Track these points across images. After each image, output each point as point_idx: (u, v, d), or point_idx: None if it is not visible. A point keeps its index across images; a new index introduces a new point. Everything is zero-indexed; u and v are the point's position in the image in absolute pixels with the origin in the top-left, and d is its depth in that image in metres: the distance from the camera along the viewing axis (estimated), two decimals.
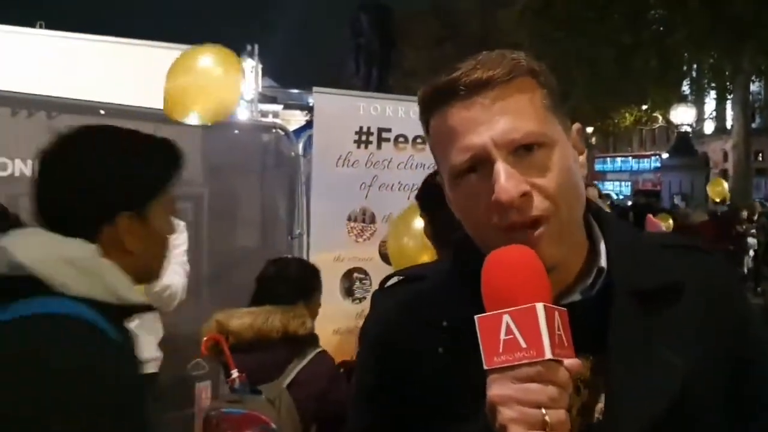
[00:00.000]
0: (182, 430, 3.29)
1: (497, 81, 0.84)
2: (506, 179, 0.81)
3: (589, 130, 31.80)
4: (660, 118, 25.97)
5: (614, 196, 23.53)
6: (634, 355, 0.86)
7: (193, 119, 3.10)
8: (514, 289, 0.75)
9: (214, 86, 3.12)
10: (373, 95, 4.18)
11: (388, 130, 3.71)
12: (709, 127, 30.91)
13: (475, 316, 0.75)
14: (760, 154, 31.99)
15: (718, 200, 12.54)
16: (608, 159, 34.80)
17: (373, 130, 3.67)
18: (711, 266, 0.97)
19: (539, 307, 0.73)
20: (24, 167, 3.28)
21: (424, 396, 0.90)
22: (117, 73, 4.76)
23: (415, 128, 3.87)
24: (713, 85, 19.67)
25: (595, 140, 36.22)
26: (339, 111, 3.59)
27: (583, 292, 0.90)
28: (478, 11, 27.17)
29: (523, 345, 0.72)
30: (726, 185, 12.87)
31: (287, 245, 3.88)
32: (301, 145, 3.92)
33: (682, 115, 20.09)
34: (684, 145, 19.98)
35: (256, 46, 14.90)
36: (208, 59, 3.17)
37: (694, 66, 19.31)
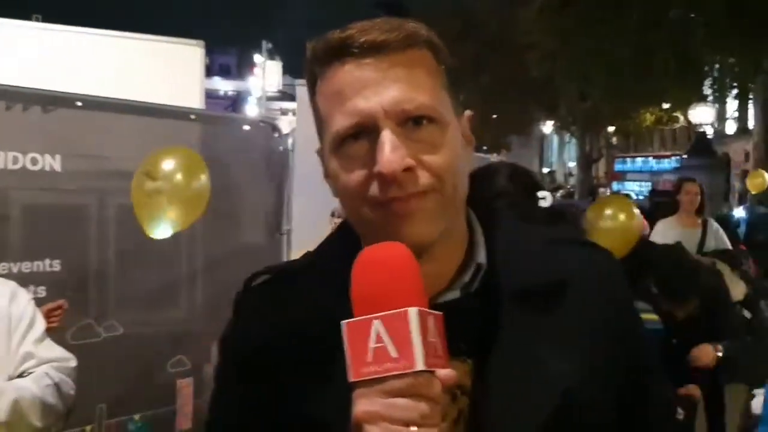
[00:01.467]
0: (164, 427, 3.28)
1: (393, 46, 0.79)
2: (391, 150, 0.75)
3: (610, 129, 31.59)
4: (681, 118, 25.65)
5: (634, 197, 23.30)
6: (516, 360, 0.79)
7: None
8: (386, 291, 0.68)
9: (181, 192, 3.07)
10: None
11: None
12: (731, 128, 30.50)
13: (342, 322, 0.68)
14: None
15: (755, 192, 12.01)
16: (628, 159, 34.43)
17: None
18: (600, 262, 0.91)
19: (412, 312, 0.66)
20: (13, 160, 3.27)
21: (293, 415, 0.81)
22: (117, 68, 4.76)
23: None
24: (734, 84, 19.40)
25: (616, 140, 35.92)
26: None
27: (462, 289, 0.84)
28: (497, 10, 27.05)
29: (394, 355, 0.65)
30: (767, 176, 12.22)
31: (275, 241, 3.85)
32: (290, 141, 3.89)
33: (701, 115, 19.83)
34: (703, 146, 19.72)
35: (264, 43, 14.98)
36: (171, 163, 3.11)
37: (716, 66, 19.05)
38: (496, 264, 0.84)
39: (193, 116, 3.73)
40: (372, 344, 0.66)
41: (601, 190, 29.32)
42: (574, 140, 33.76)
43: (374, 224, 0.80)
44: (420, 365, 0.65)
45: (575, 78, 20.18)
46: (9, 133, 3.14)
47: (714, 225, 5.02)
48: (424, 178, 0.78)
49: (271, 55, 26.99)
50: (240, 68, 47.68)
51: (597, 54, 18.21)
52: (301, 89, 3.58)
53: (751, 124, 22.32)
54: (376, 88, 0.77)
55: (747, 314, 4.31)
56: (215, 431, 0.92)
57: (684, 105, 22.56)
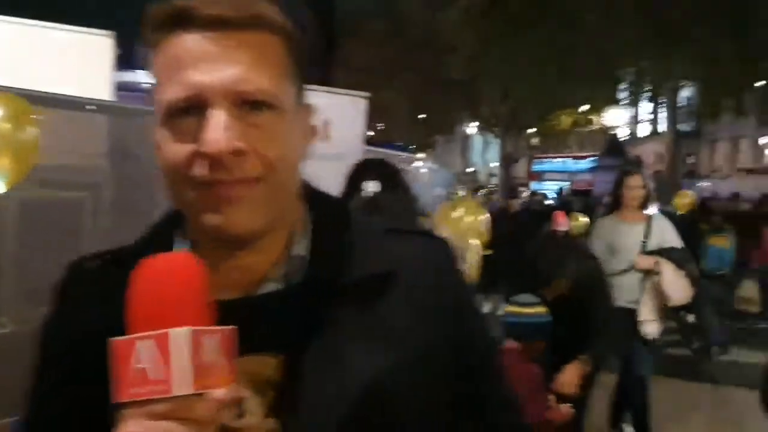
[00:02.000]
0: None
1: (240, 24, 0.74)
2: (219, 130, 0.71)
3: (531, 131, 32.46)
4: (596, 120, 26.62)
5: (553, 195, 24.06)
6: (325, 354, 0.77)
7: None
8: (158, 308, 0.64)
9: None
10: None
11: None
12: (644, 130, 31.90)
13: (109, 340, 0.65)
14: (691, 157, 33.33)
15: (681, 213, 12.46)
16: (546, 160, 35.54)
17: None
18: (434, 252, 0.89)
19: (175, 333, 0.63)
20: None
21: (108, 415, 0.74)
22: (19, 57, 4.57)
23: None
24: (648, 88, 20.26)
25: (537, 141, 36.95)
26: None
27: (282, 280, 0.81)
28: (423, 12, 27.33)
29: (156, 377, 0.63)
30: (692, 197, 12.80)
31: None
32: None
33: (615, 118, 20.65)
34: (615, 147, 20.55)
35: None
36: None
37: (632, 70, 19.82)
38: (321, 255, 0.82)
39: (92, 107, 3.63)
40: (137, 365, 0.64)
41: (521, 189, 30.15)
42: (496, 140, 34.49)
43: (195, 206, 0.76)
44: (180, 389, 0.63)
45: (498, 80, 20.60)
46: None
47: (660, 220, 4.44)
48: (254, 165, 0.75)
49: None
50: None
51: (519, 56, 18.63)
52: None
53: (661, 127, 23.33)
54: (215, 64, 0.73)
55: (690, 318, 4.10)
56: (34, 428, 0.86)
57: (600, 107, 23.41)
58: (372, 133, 30.83)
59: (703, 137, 31.87)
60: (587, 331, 2.99)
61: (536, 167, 35.27)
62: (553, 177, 32.46)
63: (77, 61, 4.88)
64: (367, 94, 4.09)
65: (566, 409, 2.62)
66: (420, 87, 28.85)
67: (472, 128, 38.67)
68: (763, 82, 17.66)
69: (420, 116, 30.86)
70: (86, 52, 5.04)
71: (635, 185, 4.33)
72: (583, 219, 9.63)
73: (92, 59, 5.02)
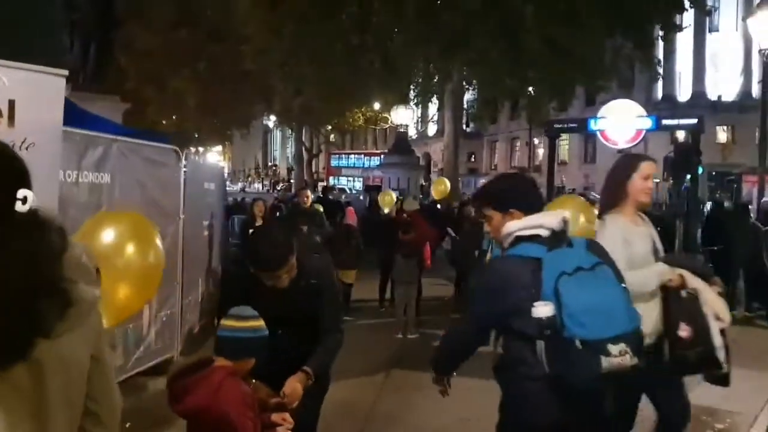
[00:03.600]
0: None
1: None
2: None
3: (329, 127, 32.83)
4: (389, 118, 27.51)
5: (348, 191, 24.46)
6: None
7: None
8: None
9: None
10: None
11: None
12: (432, 130, 33.59)
13: None
14: (473, 156, 35.78)
15: (438, 198, 13.15)
16: (343, 155, 36.19)
17: None
18: None
19: None
20: None
21: None
22: None
23: None
24: (434, 89, 21.18)
25: (334, 137, 37.45)
26: None
27: None
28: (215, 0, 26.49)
29: None
30: (448, 184, 13.57)
31: None
32: None
33: (402, 117, 21.42)
34: (402, 145, 21.31)
35: None
36: None
37: (419, 71, 20.56)
38: None
39: None
40: None
41: (321, 184, 30.44)
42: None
43: None
44: None
45: (288, 73, 20.44)
46: None
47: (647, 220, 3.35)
48: None
49: None
50: None
51: (309, 51, 18.59)
52: None
53: (448, 127, 24.60)
54: None
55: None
56: None
57: (390, 107, 24.13)
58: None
59: (484, 138, 34.37)
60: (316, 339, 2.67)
61: (335, 163, 35.76)
62: (349, 173, 33.13)
63: None
64: (64, 72, 3.56)
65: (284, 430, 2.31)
66: (213, 77, 27.90)
67: (271, 122, 38.27)
68: (532, 89, 19.14)
69: (214, 108, 29.86)
70: None
71: (650, 174, 3.24)
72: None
73: None
